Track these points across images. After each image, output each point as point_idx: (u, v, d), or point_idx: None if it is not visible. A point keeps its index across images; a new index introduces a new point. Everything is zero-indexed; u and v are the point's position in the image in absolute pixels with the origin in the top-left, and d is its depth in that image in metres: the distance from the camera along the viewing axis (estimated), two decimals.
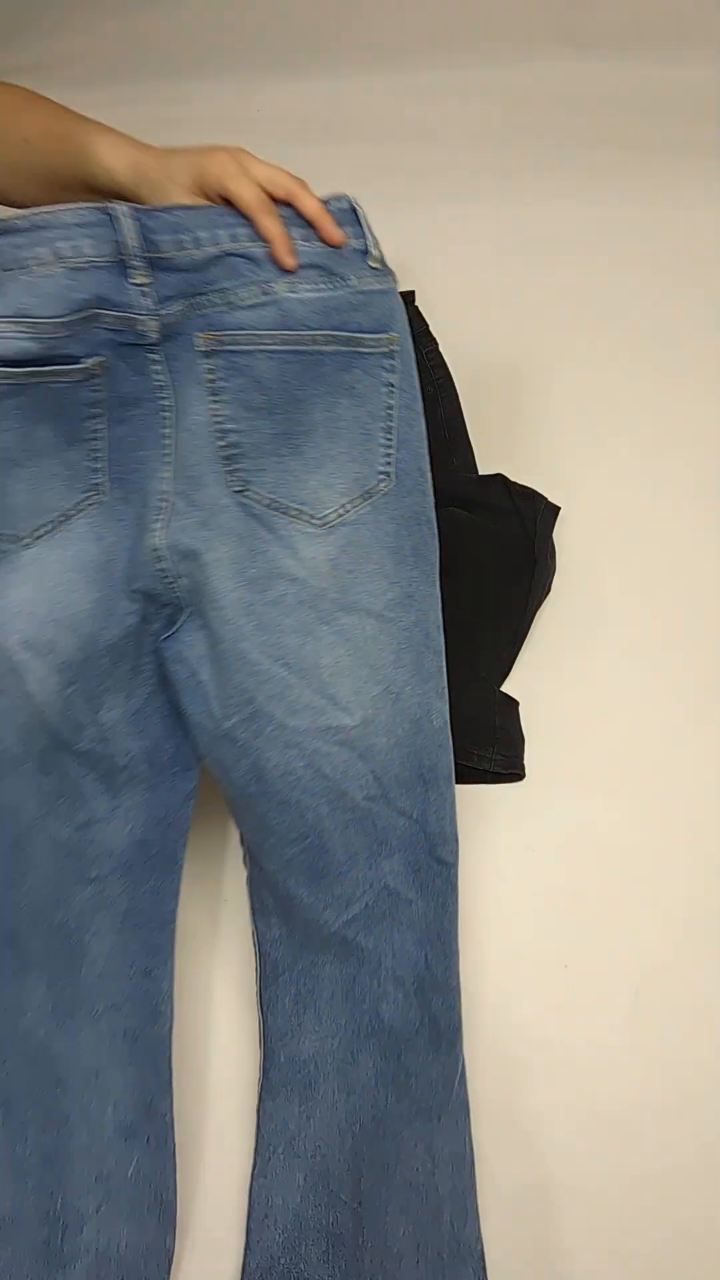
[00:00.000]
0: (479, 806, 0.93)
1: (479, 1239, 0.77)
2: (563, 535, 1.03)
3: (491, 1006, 0.86)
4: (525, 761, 0.95)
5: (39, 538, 0.73)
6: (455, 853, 0.79)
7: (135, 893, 0.77)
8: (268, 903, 0.79)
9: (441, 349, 1.07)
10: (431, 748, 0.78)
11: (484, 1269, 0.76)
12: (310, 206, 0.73)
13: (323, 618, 0.75)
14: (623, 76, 1.31)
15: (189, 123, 1.23)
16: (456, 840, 0.79)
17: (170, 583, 0.74)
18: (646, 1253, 0.79)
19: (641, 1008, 0.87)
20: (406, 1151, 0.76)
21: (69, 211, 0.69)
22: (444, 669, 0.78)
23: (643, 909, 0.91)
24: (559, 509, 1.03)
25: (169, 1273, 0.75)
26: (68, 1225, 0.72)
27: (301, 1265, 0.74)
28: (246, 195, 0.72)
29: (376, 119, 1.32)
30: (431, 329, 1.07)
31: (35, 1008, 0.74)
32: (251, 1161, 0.78)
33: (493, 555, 0.99)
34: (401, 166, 1.28)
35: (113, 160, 0.73)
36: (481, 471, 1.05)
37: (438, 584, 0.78)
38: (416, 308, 1.07)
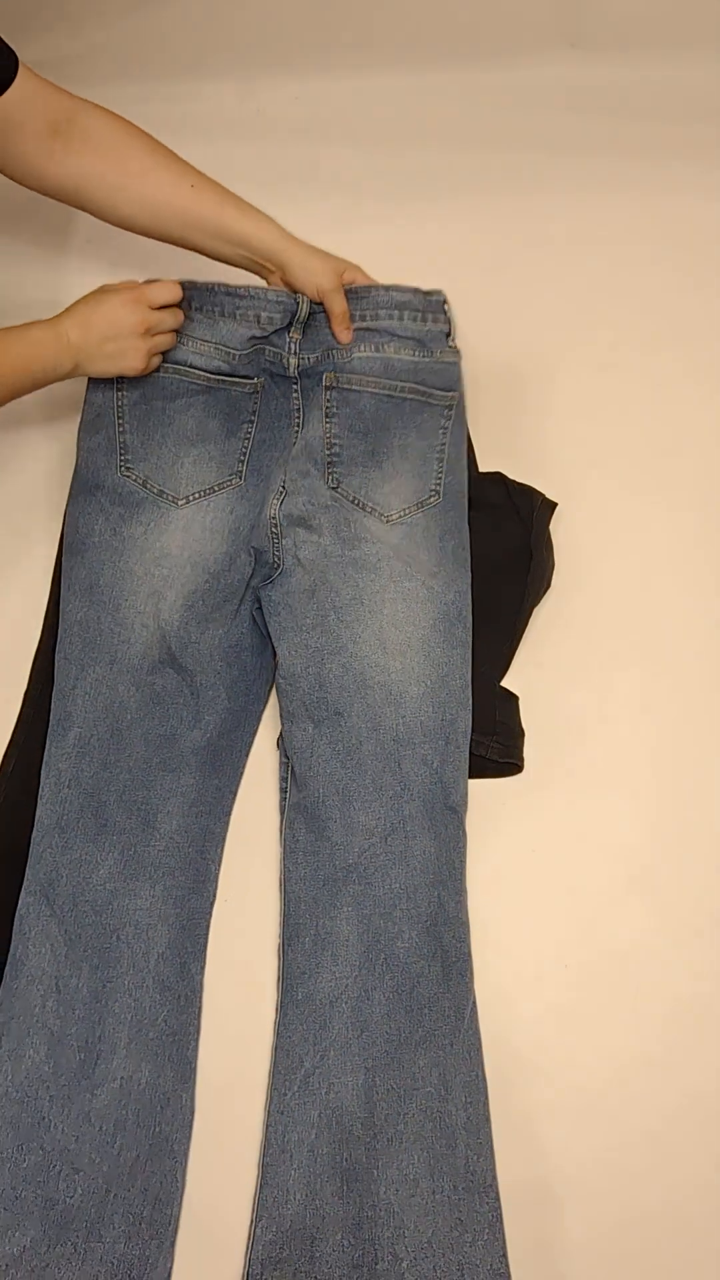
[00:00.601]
0: (479, 806, 0.93)
1: (493, 1173, 0.80)
2: (562, 533, 1.03)
3: (492, 1007, 0.86)
4: (526, 763, 0.95)
5: (190, 502, 0.99)
6: (464, 802, 0.91)
7: (203, 787, 0.93)
8: (299, 837, 0.91)
9: None
10: (453, 704, 0.93)
11: (498, 1203, 0.79)
12: (341, 309, 1.01)
13: (390, 579, 0.96)
14: (623, 77, 1.32)
15: (189, 122, 1.23)
16: (466, 791, 0.91)
17: (278, 543, 0.98)
18: (647, 1252, 0.79)
19: (642, 1008, 0.87)
20: (420, 1079, 0.82)
21: (273, 292, 1.01)
22: (470, 643, 0.95)
23: (643, 909, 0.91)
24: (556, 504, 1.03)
25: (189, 1129, 0.83)
26: (101, 1054, 0.83)
27: (317, 1200, 0.79)
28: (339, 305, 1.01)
29: (376, 119, 1.32)
30: None
31: (108, 867, 0.88)
32: (266, 1100, 0.83)
33: (491, 551, 0.99)
34: (401, 166, 1.28)
35: (271, 237, 0.99)
36: (481, 469, 1.05)
37: (469, 577, 0.98)
38: None
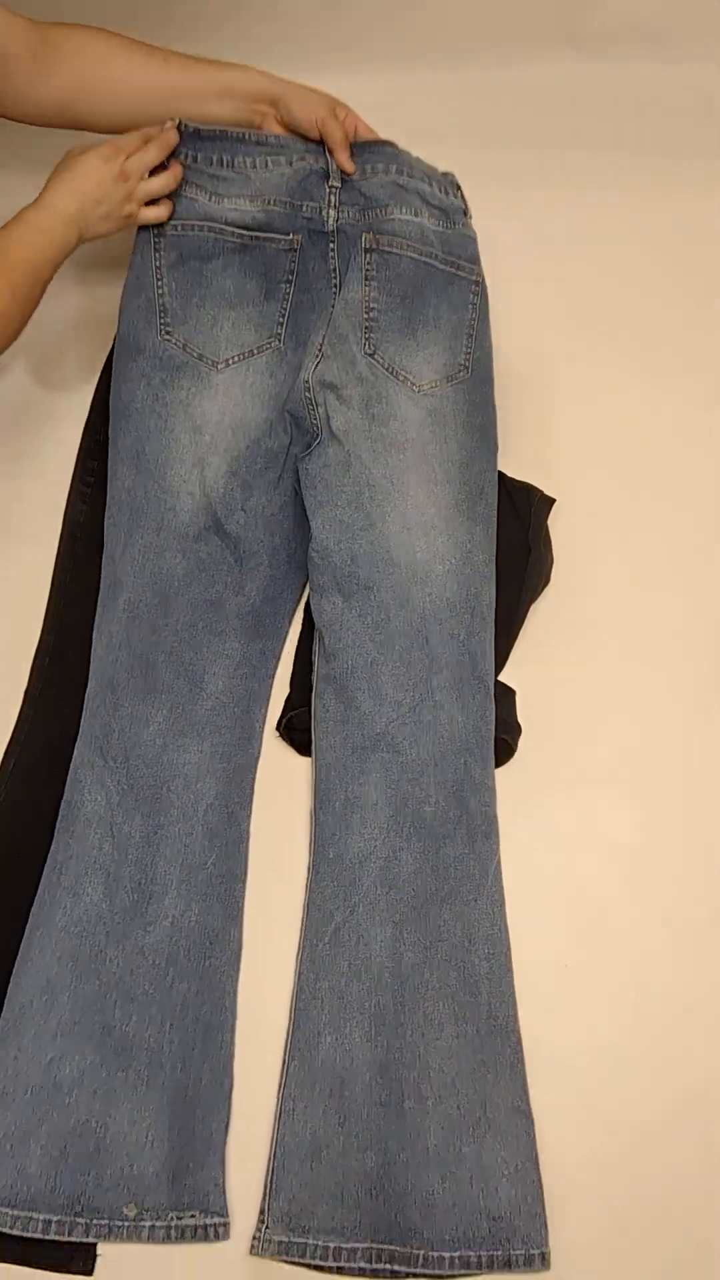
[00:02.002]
0: None
1: (515, 1018, 0.84)
2: (561, 531, 1.03)
3: None
4: (525, 761, 0.95)
5: (230, 365, 1.00)
6: (491, 672, 0.95)
7: (247, 649, 0.97)
8: (329, 707, 0.94)
9: None
10: (477, 578, 0.96)
11: (520, 1046, 0.83)
12: (340, 136, 1.01)
13: (415, 458, 0.98)
14: (623, 77, 1.32)
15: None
16: (492, 663, 0.95)
17: (313, 409, 0.99)
18: (647, 1252, 0.79)
19: (641, 1008, 0.87)
20: (445, 931, 0.86)
21: (301, 142, 1.02)
22: (494, 517, 0.99)
23: (643, 909, 0.91)
24: (554, 500, 1.03)
25: (237, 964, 0.88)
26: (153, 894, 0.87)
27: (346, 1043, 0.83)
28: (337, 132, 1.01)
29: (377, 119, 1.32)
30: None
31: (158, 724, 0.92)
32: (297, 952, 0.87)
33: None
34: None
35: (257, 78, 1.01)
36: None
37: (495, 452, 1.02)
38: None
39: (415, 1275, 0.76)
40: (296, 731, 0.95)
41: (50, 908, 0.86)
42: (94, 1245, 0.79)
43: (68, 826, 0.89)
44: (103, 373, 1.09)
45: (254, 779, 0.95)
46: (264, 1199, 0.79)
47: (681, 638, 1.01)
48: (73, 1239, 0.77)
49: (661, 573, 1.04)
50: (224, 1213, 0.79)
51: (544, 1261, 0.77)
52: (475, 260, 1.05)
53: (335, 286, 1.02)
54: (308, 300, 1.02)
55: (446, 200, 1.05)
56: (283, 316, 1.01)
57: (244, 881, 0.91)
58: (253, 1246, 0.77)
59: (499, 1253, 0.77)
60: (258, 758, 0.96)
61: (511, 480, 1.03)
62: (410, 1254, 0.76)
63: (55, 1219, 0.77)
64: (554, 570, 1.02)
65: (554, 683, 0.99)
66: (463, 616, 0.95)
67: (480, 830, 0.89)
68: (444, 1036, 0.83)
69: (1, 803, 0.93)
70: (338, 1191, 0.79)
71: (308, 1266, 0.78)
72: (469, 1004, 0.84)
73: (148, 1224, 0.78)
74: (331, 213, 1.01)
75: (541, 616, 1.01)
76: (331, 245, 1.02)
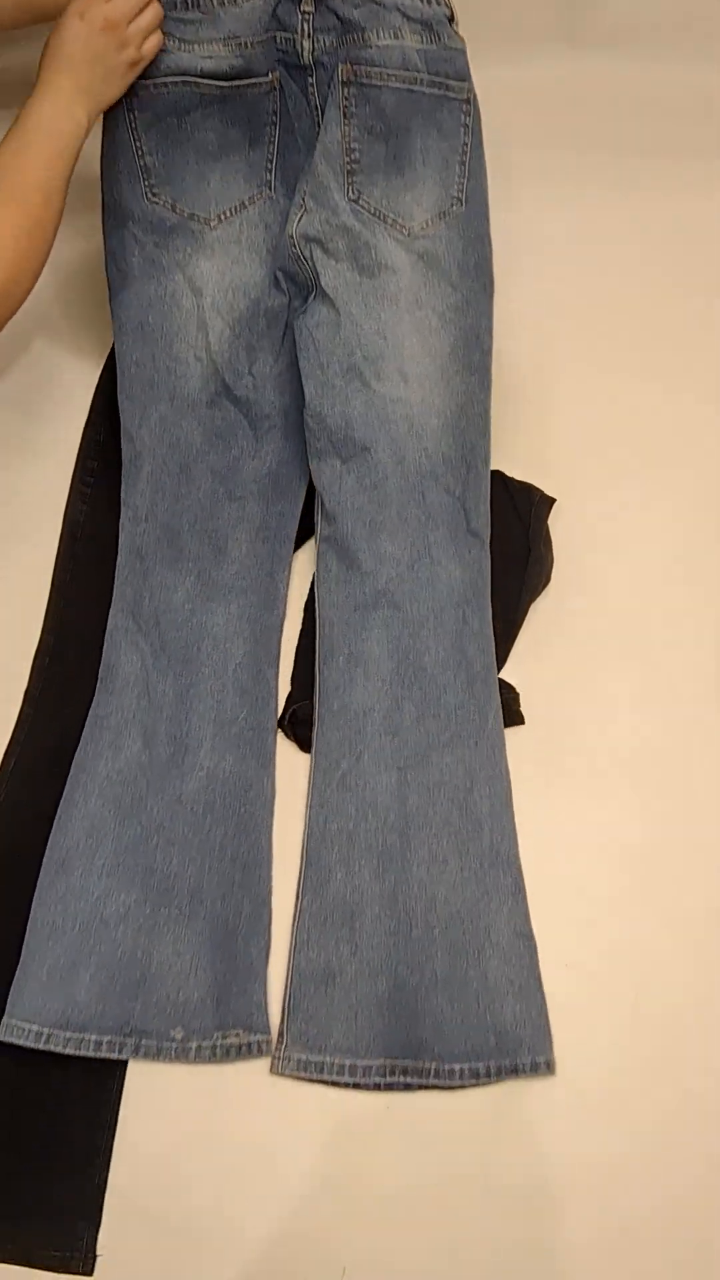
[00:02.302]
0: None
1: (516, 851, 0.89)
2: (562, 531, 1.03)
3: None
4: (525, 760, 0.95)
5: (222, 221, 0.96)
6: (487, 527, 0.97)
7: (267, 512, 0.99)
8: (331, 567, 0.96)
9: None
10: (472, 431, 0.97)
11: (521, 876, 0.88)
12: None
13: (407, 309, 0.96)
14: (623, 76, 1.31)
15: None
16: (489, 516, 0.97)
17: (303, 265, 0.97)
18: (647, 1253, 0.79)
19: (642, 1008, 0.87)
20: (447, 774, 0.90)
21: None
22: (490, 367, 0.98)
23: (643, 909, 0.91)
24: (554, 500, 1.03)
25: (271, 808, 0.92)
26: (189, 747, 0.91)
27: (355, 879, 0.87)
28: None
29: None
30: None
31: (186, 589, 0.96)
32: (306, 799, 0.91)
33: (491, 548, 0.99)
34: None
35: None
36: None
37: (491, 295, 0.99)
38: None
39: (427, 1087, 0.82)
40: (300, 726, 0.96)
41: (93, 759, 0.90)
42: (94, 1245, 0.80)
43: (107, 687, 0.93)
44: (103, 372, 1.09)
45: (280, 639, 0.98)
46: (282, 1022, 0.84)
47: (682, 637, 1.01)
48: (122, 1056, 0.83)
49: (662, 572, 1.04)
50: (266, 1030, 0.84)
51: (549, 1068, 0.83)
52: (465, 76, 0.99)
53: (319, 126, 0.97)
54: (294, 143, 0.98)
55: (428, 10, 0.96)
56: (270, 163, 0.97)
57: (274, 733, 0.95)
58: (273, 1065, 0.83)
59: (506, 1062, 0.82)
60: (283, 619, 0.99)
61: (512, 480, 1.03)
62: (422, 1068, 0.82)
63: (106, 1039, 0.82)
64: (554, 570, 1.02)
65: (554, 682, 0.99)
66: (458, 471, 0.96)
67: (479, 678, 0.92)
68: (448, 870, 0.87)
69: (1, 803, 0.93)
70: (351, 1014, 0.84)
71: (325, 1083, 0.83)
72: (472, 839, 0.88)
73: (194, 1044, 0.83)
74: (306, 43, 0.95)
75: (541, 616, 1.01)
76: (310, 80, 0.97)
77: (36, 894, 0.87)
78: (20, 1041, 0.82)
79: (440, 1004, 0.83)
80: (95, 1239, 0.80)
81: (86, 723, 0.92)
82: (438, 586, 0.94)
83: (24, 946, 0.85)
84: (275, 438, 0.99)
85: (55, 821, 0.88)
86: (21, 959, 0.84)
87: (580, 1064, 0.85)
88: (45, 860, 0.87)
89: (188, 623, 0.95)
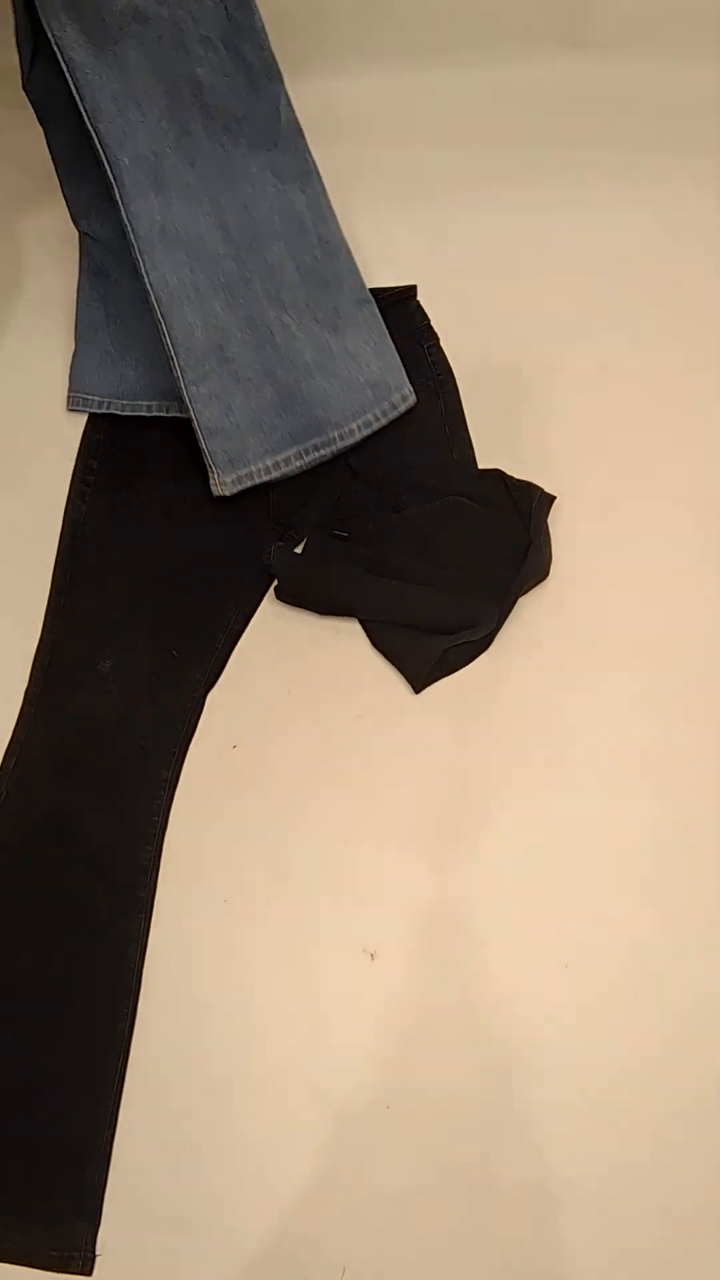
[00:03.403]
0: (479, 805, 0.93)
1: (342, 235, 0.99)
2: (562, 530, 1.03)
3: (492, 1007, 0.86)
4: (525, 760, 0.95)
5: None
6: None
7: None
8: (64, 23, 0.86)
9: (442, 345, 1.07)
10: None
11: (350, 258, 0.98)
12: None
13: None
14: (623, 76, 1.31)
15: None
16: None
17: None
18: (647, 1252, 0.79)
19: (642, 1009, 0.87)
20: (258, 183, 0.94)
21: None
22: None
23: (643, 909, 0.90)
24: (554, 498, 1.03)
25: None
26: None
27: (211, 319, 0.94)
28: None
29: (376, 119, 1.32)
30: (433, 325, 1.07)
31: None
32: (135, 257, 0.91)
33: (491, 546, 1.00)
34: (401, 166, 1.28)
35: None
36: (480, 467, 1.05)
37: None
38: (418, 303, 1.07)
39: (337, 453, 1.00)
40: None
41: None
42: (94, 1245, 0.80)
43: None
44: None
45: None
46: (205, 458, 0.97)
47: (682, 636, 1.01)
48: (170, 414, 1.02)
49: (662, 571, 1.04)
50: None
51: (412, 396, 1.02)
52: None
53: None
54: None
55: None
56: None
57: None
58: (215, 487, 0.98)
59: (385, 405, 1.01)
60: None
61: (512, 479, 1.03)
62: (328, 439, 0.99)
63: (157, 401, 1.02)
64: (554, 569, 1.02)
65: (554, 682, 0.99)
66: None
67: (263, 76, 0.93)
68: (287, 271, 0.95)
69: (1, 803, 0.93)
70: (256, 426, 0.97)
71: (258, 488, 0.99)
72: (299, 238, 0.96)
73: None
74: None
75: (541, 615, 1.01)
76: None
77: (78, 294, 1.05)
78: (85, 410, 1.05)
79: (320, 384, 0.97)
80: (95, 1239, 0.80)
81: None
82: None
83: (75, 339, 1.05)
84: None
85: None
86: (74, 351, 1.05)
87: (580, 1064, 0.84)
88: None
89: None
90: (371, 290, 1.05)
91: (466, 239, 1.22)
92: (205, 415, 0.96)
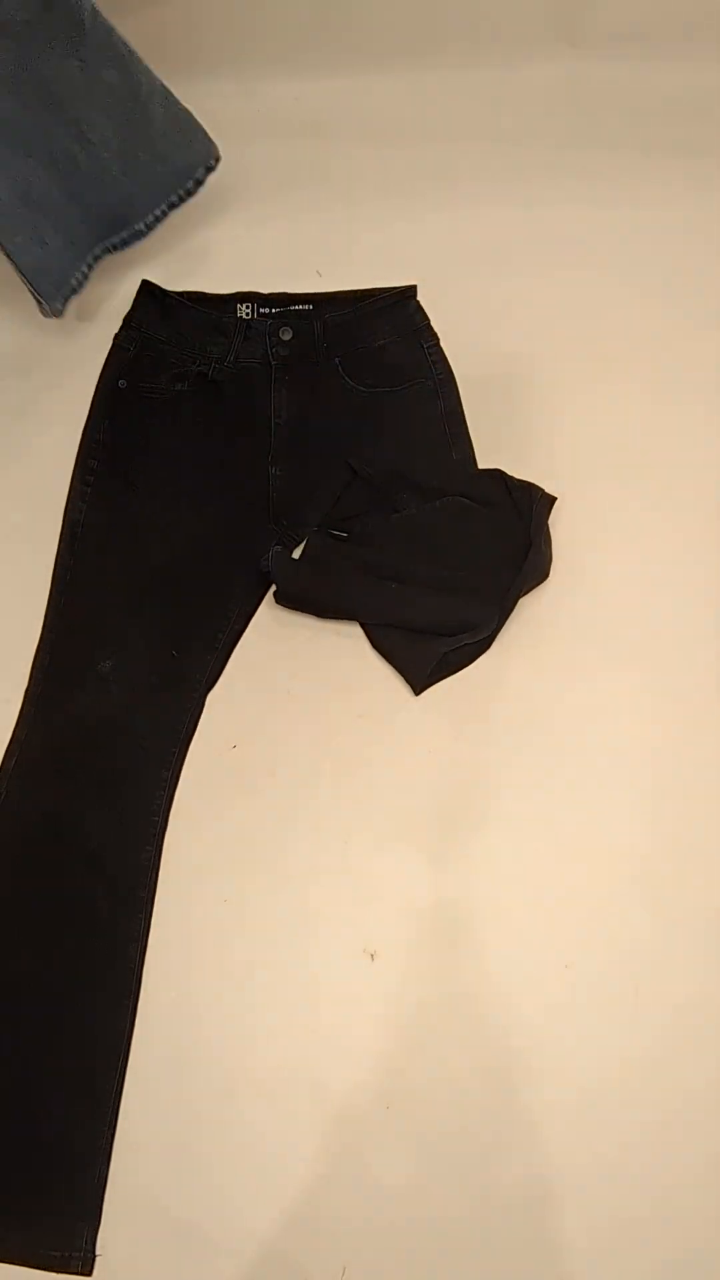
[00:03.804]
0: (480, 805, 0.93)
1: (120, 40, 1.01)
2: (562, 531, 1.03)
3: (492, 1007, 0.86)
4: (525, 759, 0.95)
5: None
6: None
7: None
8: None
9: (443, 345, 1.07)
10: None
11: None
12: None
13: None
14: (623, 77, 1.31)
15: None
16: None
17: None
18: (647, 1252, 0.79)
19: (642, 1008, 0.87)
20: (62, 72, 0.96)
21: None
22: None
23: (643, 909, 0.90)
24: (555, 499, 1.03)
25: None
26: None
27: (10, 174, 0.99)
28: None
29: (377, 119, 1.32)
30: (433, 325, 1.07)
31: None
32: None
33: (492, 546, 1.00)
34: (402, 166, 1.28)
35: None
36: (480, 466, 1.05)
37: None
38: (418, 303, 1.07)
39: (144, 236, 1.10)
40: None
41: None
42: (94, 1245, 0.80)
43: None
44: (103, 371, 1.09)
45: None
46: (32, 293, 1.02)
47: (682, 636, 1.01)
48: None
49: (663, 571, 1.04)
50: None
51: (216, 163, 1.09)
52: None
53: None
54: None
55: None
56: None
57: None
58: (47, 314, 1.05)
59: (189, 183, 1.11)
60: None
61: (512, 479, 1.03)
62: (135, 230, 1.08)
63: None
64: (555, 570, 1.02)
65: (554, 682, 0.99)
66: None
67: None
68: (94, 117, 0.99)
69: (1, 803, 0.93)
70: (67, 244, 1.05)
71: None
72: (107, 99, 1.01)
73: None
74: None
75: (542, 616, 1.01)
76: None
77: None
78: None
79: (126, 188, 1.04)
80: (95, 1239, 0.80)
81: None
82: None
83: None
84: None
85: None
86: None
87: (580, 1064, 0.84)
88: None
89: None
90: (372, 290, 1.04)
91: (466, 238, 1.22)
92: (25, 260, 1.02)
